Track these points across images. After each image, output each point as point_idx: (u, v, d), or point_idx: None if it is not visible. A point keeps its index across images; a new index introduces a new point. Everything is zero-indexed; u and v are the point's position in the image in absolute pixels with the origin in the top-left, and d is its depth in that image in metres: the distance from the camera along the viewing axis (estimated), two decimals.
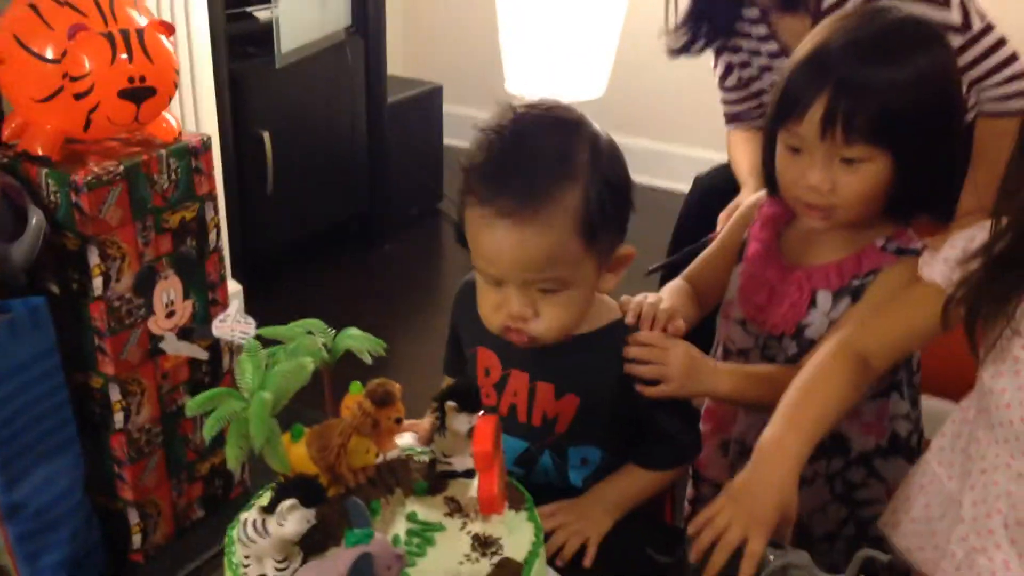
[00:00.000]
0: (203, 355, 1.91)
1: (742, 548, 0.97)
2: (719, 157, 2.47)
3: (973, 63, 1.75)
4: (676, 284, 1.42)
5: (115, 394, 1.82)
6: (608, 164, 1.10)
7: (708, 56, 3.57)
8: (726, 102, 2.10)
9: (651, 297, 1.27)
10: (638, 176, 3.42)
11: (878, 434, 1.35)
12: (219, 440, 1.99)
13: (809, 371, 1.12)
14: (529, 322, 1.09)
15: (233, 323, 1.98)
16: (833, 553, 1.38)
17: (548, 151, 1.07)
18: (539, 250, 1.05)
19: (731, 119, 2.12)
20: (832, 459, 1.35)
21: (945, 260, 1.07)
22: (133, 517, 1.94)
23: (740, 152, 2.04)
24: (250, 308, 2.61)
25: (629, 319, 1.20)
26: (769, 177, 1.32)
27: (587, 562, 1.10)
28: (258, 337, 0.97)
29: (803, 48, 1.21)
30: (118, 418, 1.84)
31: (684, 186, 3.48)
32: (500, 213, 1.06)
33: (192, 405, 0.94)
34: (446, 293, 3.57)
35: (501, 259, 1.07)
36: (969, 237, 1.06)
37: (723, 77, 2.10)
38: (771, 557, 1.00)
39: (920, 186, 1.22)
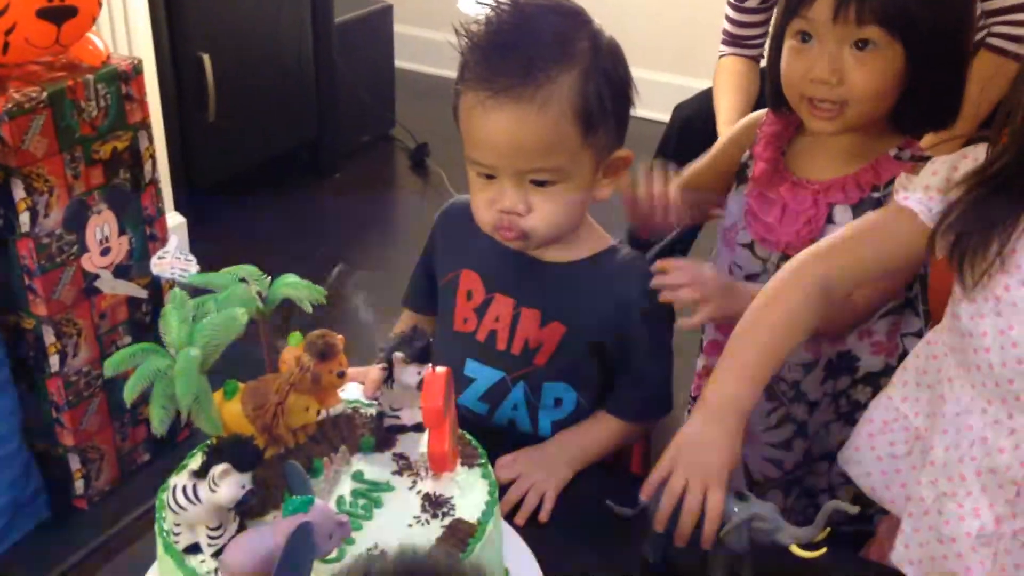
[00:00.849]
0: (142, 293, 1.82)
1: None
2: (696, 84, 2.38)
3: None
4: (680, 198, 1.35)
5: (49, 336, 1.73)
6: (609, 58, 1.05)
7: None
8: (734, 22, 1.98)
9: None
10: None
11: (888, 352, 1.31)
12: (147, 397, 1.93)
13: (760, 306, 1.06)
14: (522, 216, 1.03)
15: (173, 259, 1.89)
16: (831, 474, 1.35)
17: (549, 33, 1.02)
18: (536, 133, 1.00)
19: (731, 41, 2.00)
20: (839, 378, 1.32)
21: (926, 188, 1.01)
22: (74, 463, 1.86)
23: (728, 87, 1.92)
24: (193, 243, 2.50)
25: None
26: (774, 87, 1.25)
27: (543, 517, 1.05)
28: (184, 286, 0.89)
29: None
30: (53, 361, 1.76)
31: (660, 115, 3.41)
32: (497, 92, 1.00)
33: (110, 364, 0.86)
34: (400, 223, 3.48)
35: (497, 144, 1.01)
36: (952, 165, 1.00)
37: None
38: (735, 509, 0.96)
39: (928, 91, 1.15)
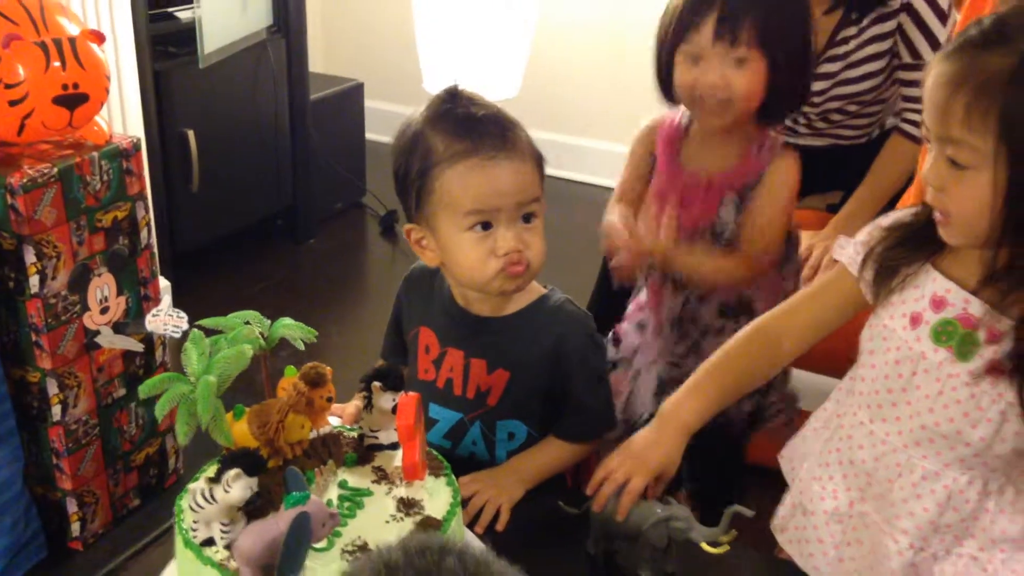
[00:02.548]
0: (138, 347, 1.99)
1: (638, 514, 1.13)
2: None
3: (911, 84, 1.92)
4: (621, 210, 1.61)
5: (53, 388, 1.90)
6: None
7: (623, 54, 3.71)
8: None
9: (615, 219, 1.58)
10: (558, 171, 3.54)
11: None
12: (152, 430, 2.09)
13: (724, 347, 1.28)
14: (524, 253, 1.22)
15: (165, 317, 2.07)
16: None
17: (492, 108, 1.26)
18: (526, 174, 1.22)
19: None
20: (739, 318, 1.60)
21: (854, 244, 1.22)
22: (71, 506, 2.01)
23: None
24: (179, 305, 2.65)
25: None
26: (665, 90, 1.58)
27: (500, 527, 1.22)
28: (200, 327, 1.07)
29: None
30: (56, 410, 1.92)
31: (600, 179, 3.63)
32: (490, 155, 1.21)
33: (144, 388, 1.04)
34: (370, 285, 3.67)
35: (503, 189, 1.21)
36: (876, 224, 1.21)
37: None
38: (658, 510, 1.15)
39: (786, 87, 1.51)
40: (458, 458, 1.31)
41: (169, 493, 2.15)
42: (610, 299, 1.88)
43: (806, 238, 1.79)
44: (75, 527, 2.01)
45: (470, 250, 1.22)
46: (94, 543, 2.05)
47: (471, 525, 1.21)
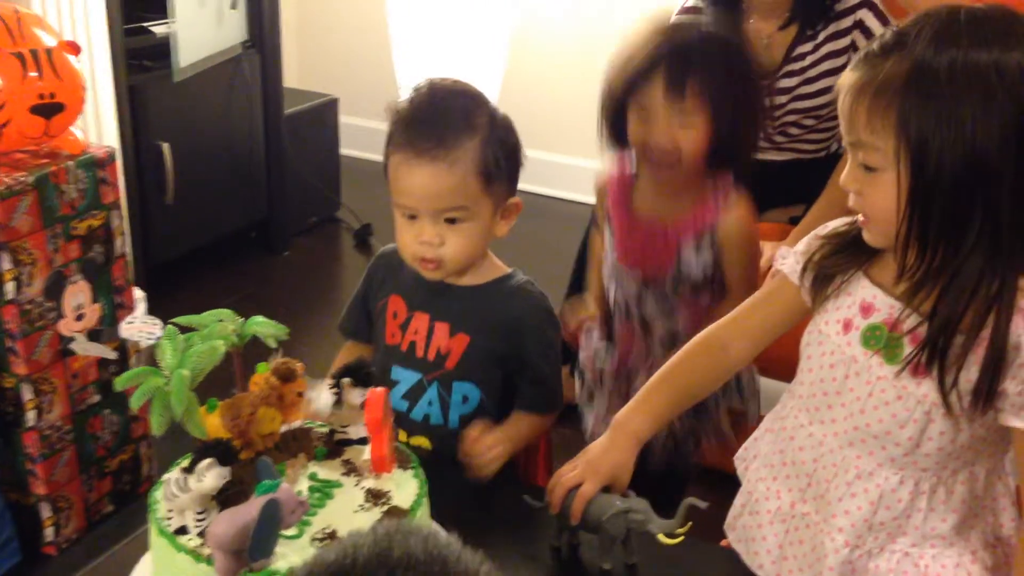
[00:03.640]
0: (112, 355, 2.02)
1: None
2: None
3: None
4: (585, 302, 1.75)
5: (27, 393, 1.92)
6: (503, 130, 1.36)
7: (596, 70, 3.77)
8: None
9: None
10: (532, 186, 3.59)
11: None
12: (126, 437, 2.11)
13: (673, 359, 1.33)
14: (438, 248, 1.32)
15: (140, 324, 2.09)
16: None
17: (456, 110, 1.33)
18: (447, 183, 1.30)
19: None
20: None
21: (794, 254, 1.27)
22: (45, 511, 2.03)
23: None
24: (153, 315, 2.66)
25: None
26: (614, 137, 1.62)
27: (493, 468, 1.30)
28: (175, 324, 1.11)
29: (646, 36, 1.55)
30: (31, 416, 1.94)
31: (577, 195, 3.68)
32: (418, 154, 1.30)
33: (120, 381, 1.07)
34: (344, 298, 3.66)
35: (418, 191, 1.31)
36: (815, 234, 1.27)
37: None
38: (617, 503, 1.20)
39: (733, 141, 1.56)
40: (412, 421, 1.41)
41: (143, 500, 2.16)
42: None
43: (768, 249, 1.85)
44: (49, 532, 2.03)
45: (401, 230, 1.36)
46: (68, 548, 2.06)
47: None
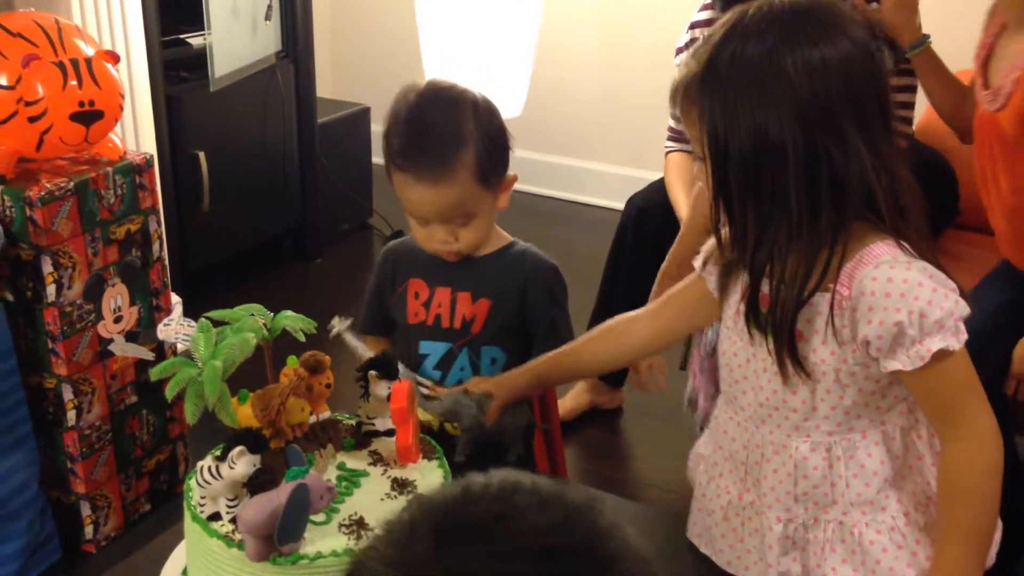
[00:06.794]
0: (149, 356, 2.06)
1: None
2: (645, 175, 2.65)
3: None
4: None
5: (68, 393, 1.97)
6: (487, 120, 1.41)
7: (621, 77, 3.80)
8: (676, 118, 2.13)
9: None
10: (558, 192, 3.60)
11: None
12: (163, 437, 2.16)
13: (580, 338, 1.43)
14: (453, 244, 1.42)
15: (176, 326, 2.14)
16: None
17: (443, 127, 1.38)
18: (450, 199, 1.38)
19: (677, 138, 2.18)
20: None
21: (704, 252, 1.32)
22: (85, 509, 2.08)
23: (681, 180, 2.11)
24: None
25: None
26: None
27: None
28: (208, 318, 1.14)
29: None
30: (71, 416, 1.99)
31: (604, 200, 3.70)
32: (417, 178, 1.38)
33: (155, 371, 1.11)
34: None
35: (424, 209, 1.41)
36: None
37: None
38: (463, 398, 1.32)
39: None
40: (446, 388, 1.46)
41: (179, 499, 2.20)
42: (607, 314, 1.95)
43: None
44: (88, 530, 2.08)
45: (415, 230, 1.46)
46: (106, 546, 2.11)
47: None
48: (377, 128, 3.68)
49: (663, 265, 1.87)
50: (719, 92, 1.08)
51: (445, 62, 3.37)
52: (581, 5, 3.62)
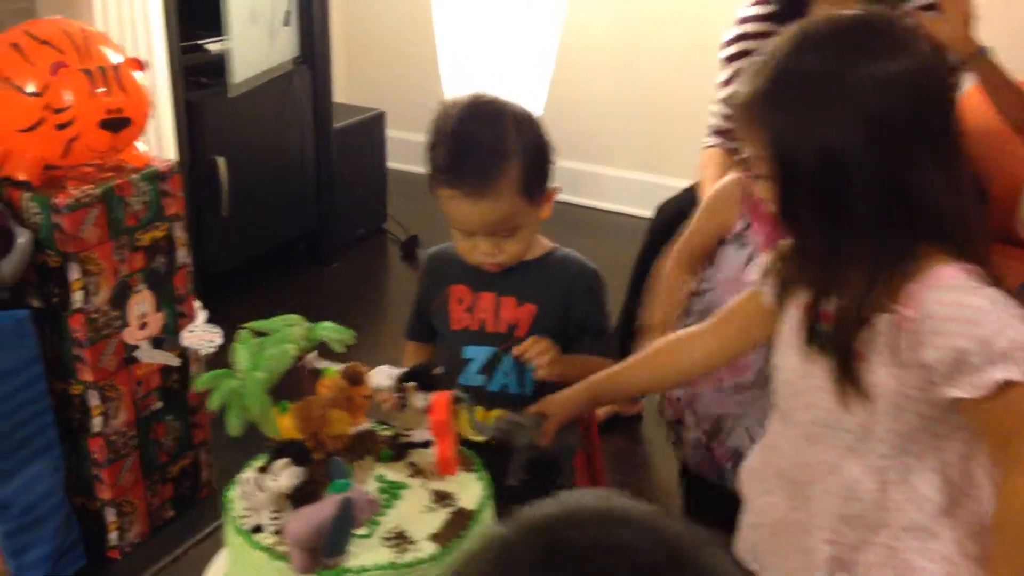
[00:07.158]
0: (176, 361, 2.06)
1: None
2: (670, 182, 2.64)
3: None
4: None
5: (94, 400, 1.97)
6: (530, 134, 1.43)
7: (641, 82, 3.78)
8: (725, 116, 2.09)
9: None
10: (577, 198, 3.60)
11: None
12: (187, 443, 2.16)
13: (639, 354, 1.42)
14: (497, 256, 1.44)
15: (200, 333, 2.15)
16: None
17: (487, 143, 1.39)
18: (494, 214, 1.40)
19: (718, 132, 2.17)
20: None
21: (759, 267, 1.31)
22: (110, 515, 2.08)
23: (716, 178, 2.09)
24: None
25: None
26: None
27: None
28: (247, 328, 1.14)
29: None
30: (96, 422, 1.99)
31: (626, 207, 3.69)
32: (463, 195, 1.39)
33: (200, 383, 1.11)
34: (391, 309, 3.73)
35: (469, 222, 1.42)
36: (778, 247, 1.31)
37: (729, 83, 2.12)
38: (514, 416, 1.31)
39: None
40: (491, 393, 1.46)
41: (203, 505, 2.21)
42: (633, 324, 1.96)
43: None
44: (113, 536, 2.08)
45: (458, 241, 1.47)
46: (131, 553, 2.11)
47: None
48: (393, 133, 3.70)
49: (674, 251, 1.86)
50: (788, 109, 1.06)
51: (462, 68, 3.37)
52: (601, 11, 3.62)
